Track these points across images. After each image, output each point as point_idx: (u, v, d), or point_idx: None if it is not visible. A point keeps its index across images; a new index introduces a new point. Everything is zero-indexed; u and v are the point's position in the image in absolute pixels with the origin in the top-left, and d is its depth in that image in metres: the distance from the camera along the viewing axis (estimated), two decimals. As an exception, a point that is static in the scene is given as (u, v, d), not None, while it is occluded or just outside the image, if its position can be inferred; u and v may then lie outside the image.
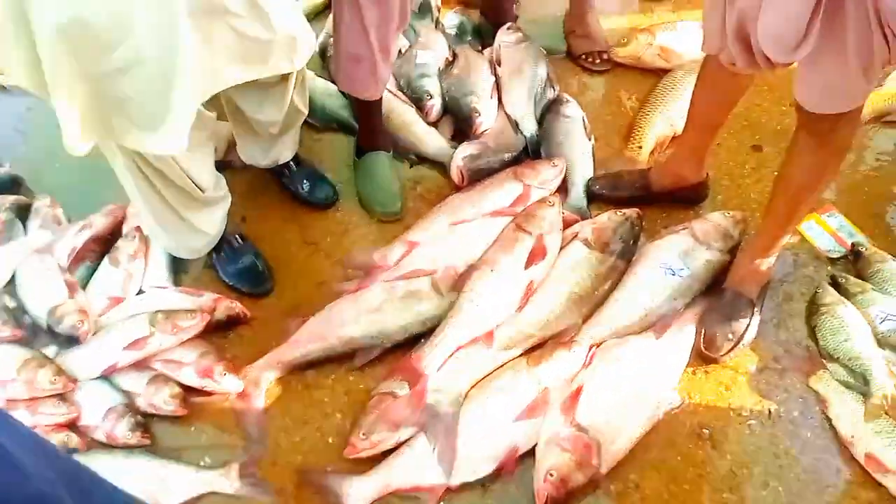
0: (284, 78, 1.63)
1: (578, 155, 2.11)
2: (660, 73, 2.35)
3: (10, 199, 2.02)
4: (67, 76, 1.26)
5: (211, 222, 1.77)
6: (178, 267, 1.89)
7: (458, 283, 1.75)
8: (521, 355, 1.67)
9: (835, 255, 1.90)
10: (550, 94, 2.29)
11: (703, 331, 1.70)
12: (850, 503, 1.48)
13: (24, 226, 1.96)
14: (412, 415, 1.54)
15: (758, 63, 1.42)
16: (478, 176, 2.06)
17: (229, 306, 1.75)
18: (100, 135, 1.40)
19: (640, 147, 2.16)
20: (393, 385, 1.60)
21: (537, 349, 1.67)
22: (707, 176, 1.97)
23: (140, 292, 1.83)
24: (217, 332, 1.75)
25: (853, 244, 1.89)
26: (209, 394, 1.64)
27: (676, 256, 1.78)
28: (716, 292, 1.76)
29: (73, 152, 1.36)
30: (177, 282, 1.87)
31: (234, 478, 1.51)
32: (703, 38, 1.56)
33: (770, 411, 1.62)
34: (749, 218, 1.89)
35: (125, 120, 1.36)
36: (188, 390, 1.64)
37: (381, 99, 2.02)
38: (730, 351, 1.68)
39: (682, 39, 2.37)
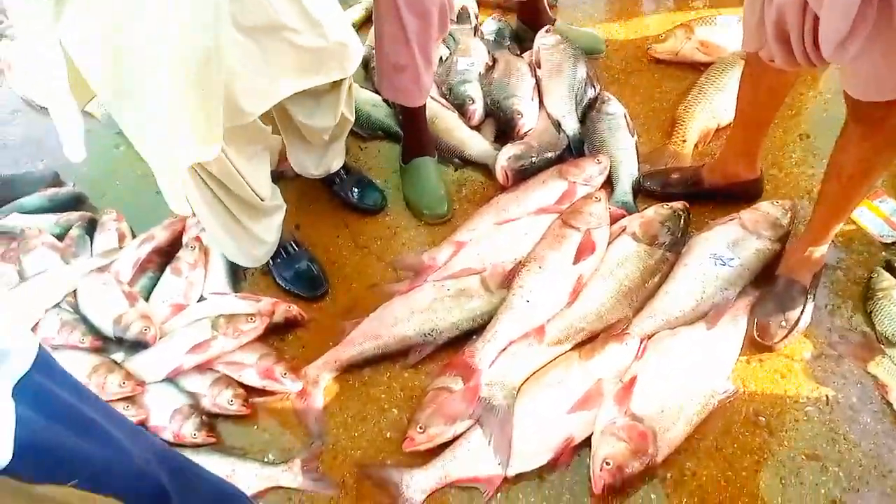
0: (336, 85, 1.69)
1: (622, 151, 2.13)
2: (701, 68, 2.36)
3: (77, 214, 2.13)
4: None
5: (270, 231, 1.84)
6: (236, 275, 1.97)
7: (508, 279, 1.78)
8: (572, 349, 1.69)
9: (888, 240, 1.87)
10: (591, 93, 2.32)
11: (756, 319, 1.69)
12: (916, 488, 1.46)
13: (92, 240, 2.06)
14: (467, 408, 1.57)
15: (797, 61, 1.42)
16: (522, 176, 2.09)
17: (287, 309, 1.81)
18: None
19: (684, 141, 2.17)
20: (447, 380, 1.63)
21: (588, 343, 1.69)
22: (761, 173, 1.95)
23: (201, 299, 1.91)
24: (276, 334, 1.82)
25: (907, 228, 1.86)
26: (271, 394, 1.70)
27: (726, 246, 1.78)
28: (768, 281, 1.75)
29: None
30: (236, 288, 1.94)
31: (298, 472, 1.57)
32: (742, 35, 1.57)
33: (827, 397, 1.60)
34: (798, 206, 1.88)
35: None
36: (250, 391, 1.70)
37: (424, 106, 2.07)
38: (784, 338, 1.67)
39: (722, 32, 2.37)
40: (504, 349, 1.67)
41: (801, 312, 1.70)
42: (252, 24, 1.35)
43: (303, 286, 1.90)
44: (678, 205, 1.90)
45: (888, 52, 1.22)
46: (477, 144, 2.22)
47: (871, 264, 1.82)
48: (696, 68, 2.37)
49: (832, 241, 1.77)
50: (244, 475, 1.56)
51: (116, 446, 0.82)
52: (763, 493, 1.47)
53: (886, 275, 1.75)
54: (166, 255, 2.01)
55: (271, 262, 1.92)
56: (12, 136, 2.56)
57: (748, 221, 1.83)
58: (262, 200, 1.72)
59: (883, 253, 1.85)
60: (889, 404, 1.57)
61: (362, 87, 2.40)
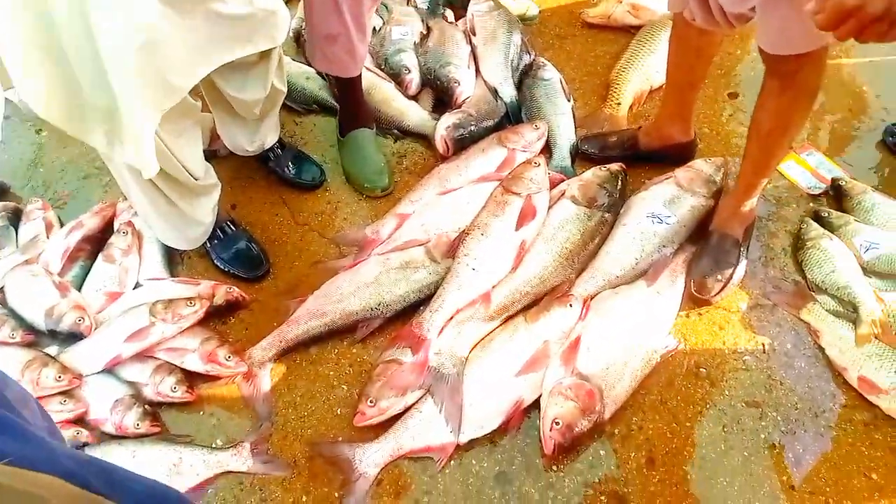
0: (264, 55, 1.63)
1: (559, 116, 2.14)
2: (632, 31, 2.38)
3: (0, 204, 2.02)
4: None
5: (205, 211, 1.79)
6: (172, 259, 1.91)
7: (452, 249, 1.78)
8: (517, 313, 1.70)
9: (816, 192, 1.94)
10: (526, 59, 2.31)
11: (692, 274, 1.74)
12: (846, 426, 1.53)
13: (17, 230, 1.97)
14: (417, 379, 1.57)
15: (716, 20, 1.45)
16: (462, 145, 2.08)
17: (227, 291, 1.77)
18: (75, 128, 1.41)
19: (619, 104, 2.19)
20: (396, 352, 1.62)
21: (533, 306, 1.70)
22: (695, 135, 1.99)
23: (137, 286, 1.85)
24: (217, 318, 1.77)
25: (833, 179, 1.93)
26: (215, 378, 1.66)
27: (662, 205, 1.81)
28: (702, 236, 1.80)
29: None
30: (173, 273, 1.88)
31: (247, 456, 1.54)
32: None
33: (764, 346, 1.66)
34: (730, 163, 1.93)
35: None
36: (194, 377, 1.66)
37: (360, 76, 2.03)
38: (720, 292, 1.72)
39: (652, -5, 2.40)
40: (451, 318, 1.67)
41: (735, 265, 1.75)
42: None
43: (243, 267, 1.85)
44: (615, 167, 1.92)
45: (794, 4, 1.25)
46: (415, 114, 2.20)
47: (801, 216, 1.88)
48: (629, 32, 2.40)
49: (763, 194, 1.82)
50: (192, 463, 1.53)
51: (43, 448, 0.78)
52: (706, 442, 1.52)
53: (815, 225, 1.82)
54: (98, 242, 1.94)
55: (208, 243, 1.86)
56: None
57: (683, 179, 1.87)
58: (195, 179, 1.67)
59: (811, 204, 1.92)
60: (821, 349, 1.64)
61: (294, 59, 2.33)
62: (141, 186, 1.61)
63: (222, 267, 1.86)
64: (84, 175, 2.13)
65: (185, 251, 1.90)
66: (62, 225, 1.99)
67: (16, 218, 2.00)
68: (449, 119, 2.11)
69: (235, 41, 1.46)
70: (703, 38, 1.69)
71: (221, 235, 1.87)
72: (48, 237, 1.94)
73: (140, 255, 1.90)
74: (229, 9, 1.40)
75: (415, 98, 2.26)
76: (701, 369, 1.63)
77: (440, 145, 2.08)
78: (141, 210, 1.76)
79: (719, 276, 1.73)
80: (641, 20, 2.39)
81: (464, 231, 1.81)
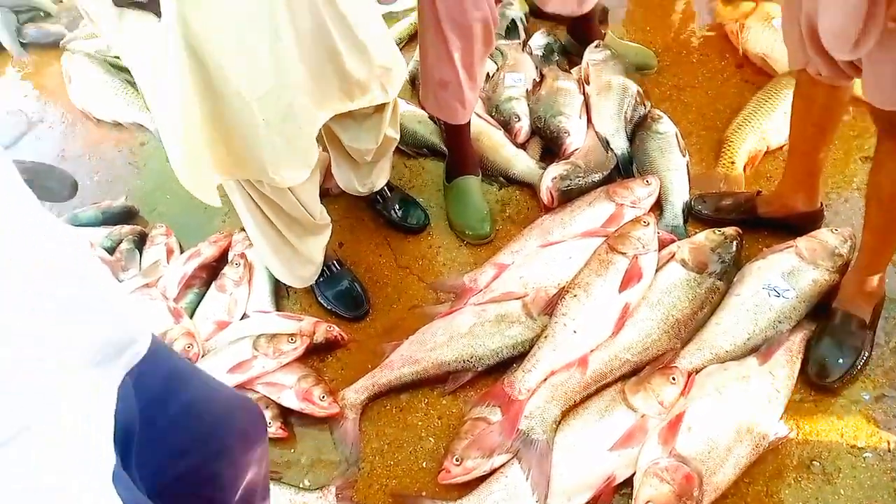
0: (379, 108, 1.68)
1: (672, 172, 2.06)
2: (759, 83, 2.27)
3: (127, 228, 2.17)
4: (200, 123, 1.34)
5: (318, 250, 1.84)
6: (279, 292, 1.98)
7: (550, 306, 1.74)
8: (616, 381, 1.64)
9: (959, 273, 1.76)
10: (641, 111, 2.25)
11: (811, 356, 1.61)
12: None
13: (141, 253, 2.10)
14: (505, 441, 1.53)
15: (843, 70, 1.35)
16: (568, 196, 2.04)
17: (328, 330, 1.81)
18: (230, 174, 1.49)
19: (733, 163, 2.08)
20: (485, 410, 1.60)
21: (633, 376, 1.63)
22: (821, 205, 1.86)
23: (244, 317, 1.93)
24: (316, 355, 1.82)
25: (981, 261, 1.74)
26: (309, 416, 1.69)
27: (780, 277, 1.70)
28: (825, 314, 1.67)
29: (208, 201, 1.47)
30: (278, 306, 1.95)
31: (332, 500, 1.56)
32: (788, 53, 1.50)
33: (889, 443, 1.51)
34: (859, 234, 1.78)
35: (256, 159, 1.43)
36: (288, 413, 1.70)
37: (469, 123, 2.04)
38: (842, 377, 1.58)
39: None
40: (545, 379, 1.63)
41: (861, 349, 1.61)
42: (308, 46, 1.35)
43: (344, 306, 1.89)
44: (731, 231, 1.83)
45: None
46: (522, 163, 2.18)
47: (941, 299, 1.71)
48: (753, 84, 2.29)
49: (893, 271, 1.67)
50: (279, 500, 1.56)
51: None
52: (816, 545, 1.40)
53: (956, 311, 1.65)
54: (212, 271, 2.04)
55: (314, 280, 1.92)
56: (71, 148, 2.64)
57: (805, 250, 1.74)
58: (313, 219, 1.72)
59: (952, 286, 1.74)
60: (957, 452, 1.48)
61: (408, 102, 2.39)
62: (259, 225, 1.68)
63: (325, 305, 1.91)
64: (207, 205, 2.25)
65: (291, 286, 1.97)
66: (182, 251, 2.11)
67: (141, 242, 2.14)
68: (556, 170, 2.08)
69: (349, 94, 1.50)
70: (830, 95, 1.57)
71: (328, 273, 1.93)
72: (168, 262, 2.06)
73: (250, 287, 1.98)
74: (348, 64, 1.44)
75: (523, 146, 2.25)
76: (814, 462, 1.50)
77: (545, 196, 2.05)
78: (257, 247, 1.84)
79: (841, 360, 1.59)
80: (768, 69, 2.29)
81: (564, 288, 1.76)
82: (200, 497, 1.01)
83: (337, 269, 1.93)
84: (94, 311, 0.70)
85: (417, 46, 2.13)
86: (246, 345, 1.77)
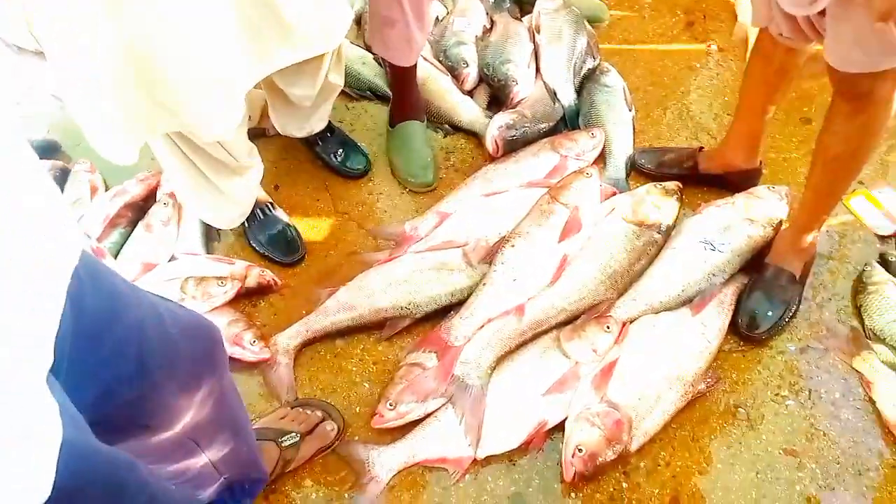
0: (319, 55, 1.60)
1: (618, 126, 2.05)
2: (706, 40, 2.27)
3: (48, 163, 2.04)
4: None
5: (244, 191, 1.77)
6: (210, 234, 1.89)
7: (490, 254, 1.72)
8: (552, 329, 1.64)
9: (885, 233, 1.81)
10: (590, 63, 2.23)
11: (742, 308, 1.64)
12: (892, 489, 1.42)
13: (62, 190, 1.98)
14: (440, 386, 1.52)
15: (803, 31, 1.34)
16: (513, 146, 2.01)
17: (260, 274, 1.75)
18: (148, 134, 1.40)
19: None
20: (421, 356, 1.58)
21: (569, 324, 1.63)
22: (760, 163, 1.88)
23: (172, 259, 1.85)
24: (247, 299, 1.76)
25: (905, 222, 1.81)
26: (238, 362, 1.64)
27: (717, 231, 1.72)
28: (757, 268, 1.70)
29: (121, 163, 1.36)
30: (209, 249, 1.87)
31: (265, 443, 1.52)
32: (752, 11, 1.49)
33: (810, 392, 1.56)
34: (795, 193, 1.81)
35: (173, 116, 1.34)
36: (218, 356, 1.64)
37: (415, 66, 1.98)
38: (770, 329, 1.62)
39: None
40: (481, 326, 1.61)
41: (790, 303, 1.65)
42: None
43: (278, 251, 1.83)
44: (671, 185, 1.84)
45: (871, 12, 1.13)
46: (468, 111, 2.14)
47: (866, 257, 1.76)
48: (701, 41, 2.29)
49: (827, 230, 1.71)
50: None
51: None
52: (736, 487, 1.44)
53: (880, 269, 1.70)
54: (139, 210, 1.94)
55: (246, 223, 1.84)
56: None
57: (742, 206, 1.77)
58: (236, 160, 1.64)
59: (878, 245, 1.80)
60: (872, 401, 1.54)
61: (353, 43, 2.30)
62: (179, 164, 1.60)
63: (258, 249, 1.84)
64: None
65: (222, 228, 1.89)
66: (107, 189, 2.00)
67: (63, 178, 2.01)
68: (502, 118, 2.04)
69: (295, 44, 1.42)
70: (787, 58, 1.57)
71: (261, 216, 1.85)
72: (91, 200, 1.95)
73: (179, 228, 1.89)
74: (288, 13, 1.36)
75: (470, 94, 2.20)
76: (740, 409, 1.54)
77: (490, 145, 2.01)
78: (176, 186, 1.75)
79: (770, 313, 1.63)
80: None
81: (504, 237, 1.75)
82: (139, 426, 0.96)
83: (271, 212, 1.86)
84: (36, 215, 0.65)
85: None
86: (173, 287, 1.69)
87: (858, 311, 1.67)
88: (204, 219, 1.83)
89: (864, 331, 1.63)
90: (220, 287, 1.69)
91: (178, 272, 1.76)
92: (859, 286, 1.70)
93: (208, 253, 1.87)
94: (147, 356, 0.91)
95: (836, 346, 1.62)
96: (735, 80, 2.21)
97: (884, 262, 1.73)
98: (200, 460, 1.10)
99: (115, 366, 0.85)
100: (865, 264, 1.73)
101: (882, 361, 1.57)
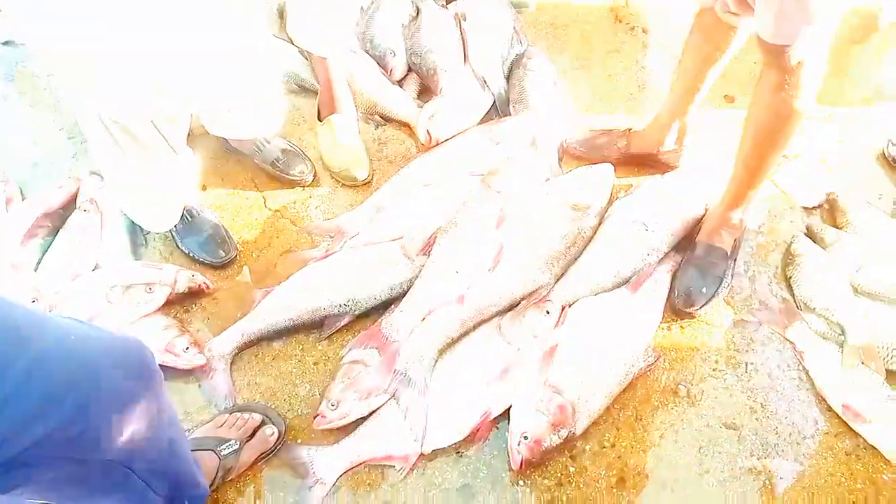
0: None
1: (548, 110, 2.05)
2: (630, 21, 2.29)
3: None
4: None
5: (177, 192, 1.70)
6: (136, 240, 1.82)
7: (428, 246, 1.70)
8: (493, 317, 1.63)
9: (810, 205, 1.87)
10: (518, 49, 2.22)
11: (677, 285, 1.67)
12: (827, 454, 1.47)
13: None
14: (382, 382, 1.49)
15: (749, 5, 1.37)
16: (445, 135, 1.99)
17: (191, 278, 1.69)
18: None
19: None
20: (362, 353, 1.55)
21: (510, 310, 1.63)
22: (689, 142, 1.90)
23: (97, 267, 1.76)
24: (179, 305, 1.69)
25: (828, 193, 1.86)
26: (173, 370, 1.57)
27: (649, 211, 1.74)
28: (689, 246, 1.72)
29: None
30: (135, 255, 1.79)
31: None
32: None
33: (746, 365, 1.60)
34: (722, 170, 1.84)
35: None
36: (150, 367, 1.58)
37: (340, 57, 1.93)
38: (704, 305, 1.65)
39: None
40: (422, 319, 1.59)
41: (722, 278, 1.68)
42: None
43: (208, 253, 1.76)
44: (603, 167, 1.84)
45: None
46: (398, 101, 2.11)
47: (794, 230, 1.81)
48: (626, 23, 2.31)
49: (754, 206, 1.75)
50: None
51: None
52: (680, 464, 1.46)
53: (806, 240, 1.75)
54: (60, 218, 1.84)
55: (174, 226, 1.77)
56: None
57: (672, 185, 1.79)
58: (174, 153, 1.57)
59: (805, 218, 1.85)
60: (806, 371, 1.58)
61: (276, 36, 2.23)
62: (113, 158, 1.52)
63: (187, 252, 1.77)
64: (49, 149, 2.03)
65: (149, 232, 1.81)
66: (24, 198, 1.89)
67: (-27, 190, 1.89)
68: (433, 107, 2.02)
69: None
70: (724, 35, 1.61)
71: (189, 218, 1.78)
72: (7, 211, 1.84)
73: (102, 235, 1.81)
74: None
75: (399, 84, 2.17)
76: (680, 386, 1.57)
77: (422, 135, 1.99)
78: (111, 184, 1.67)
79: (704, 289, 1.66)
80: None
81: (440, 228, 1.73)
82: (70, 459, 0.92)
83: (199, 213, 1.79)
84: None
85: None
86: (98, 296, 1.62)
87: (788, 283, 1.71)
88: (135, 220, 1.75)
89: (795, 301, 1.68)
90: (149, 294, 1.63)
91: (103, 281, 1.68)
92: (788, 258, 1.74)
93: (135, 259, 1.79)
94: (58, 388, 0.87)
95: (769, 318, 1.66)
96: (660, 60, 2.24)
97: (810, 233, 1.78)
98: (136, 485, 1.06)
99: (17, 405, 0.82)
100: (793, 236, 1.77)
101: (813, 331, 1.62)
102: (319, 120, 2.01)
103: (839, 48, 2.20)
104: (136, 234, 1.81)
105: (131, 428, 1.00)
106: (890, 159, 1.95)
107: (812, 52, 1.33)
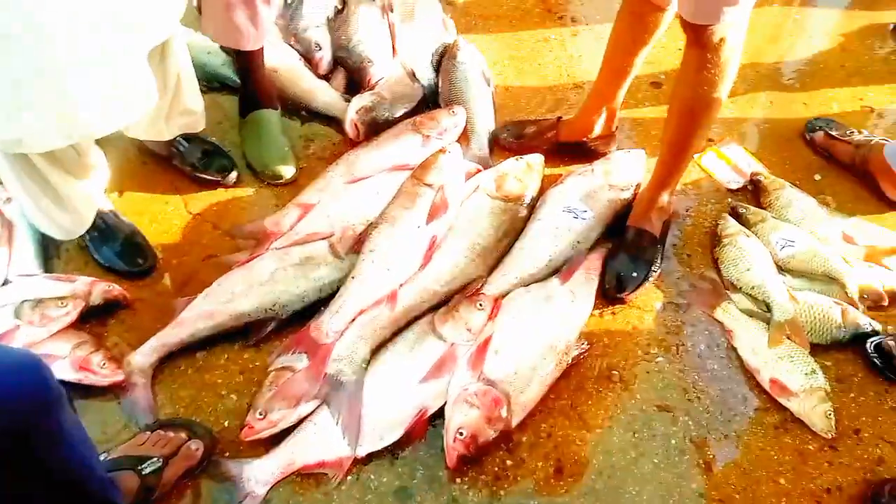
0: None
1: (478, 102, 2.04)
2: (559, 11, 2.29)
3: None
4: None
5: (87, 196, 1.62)
6: (47, 251, 1.71)
7: (357, 243, 1.65)
8: (425, 313, 1.60)
9: (734, 186, 1.90)
10: (447, 40, 2.19)
11: (608, 271, 1.67)
12: (757, 429, 1.49)
13: None
14: (312, 388, 1.44)
15: None
16: (374, 129, 1.95)
17: (106, 290, 1.60)
18: None
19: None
20: (290, 358, 1.49)
21: (443, 306, 1.60)
22: (616, 129, 1.92)
23: (6, 283, 1.66)
24: (95, 318, 1.60)
25: (752, 174, 1.89)
26: (89, 388, 1.49)
27: (578, 199, 1.74)
28: (619, 231, 1.73)
29: None
30: (46, 267, 1.69)
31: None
32: None
33: (677, 347, 1.61)
34: (650, 156, 1.86)
35: None
36: (66, 387, 1.48)
37: (262, 50, 1.87)
38: (635, 289, 1.66)
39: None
40: (353, 319, 1.55)
41: (652, 262, 1.69)
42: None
43: (124, 262, 1.68)
44: (533, 158, 1.84)
45: None
46: (325, 95, 2.06)
47: (720, 211, 1.84)
48: (554, 13, 2.31)
49: (682, 188, 1.77)
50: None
51: None
52: (616, 449, 1.46)
53: (732, 221, 1.77)
54: (-39, 232, 1.73)
55: (87, 235, 1.68)
56: None
57: (601, 172, 1.80)
58: (79, 157, 1.48)
59: (730, 199, 1.87)
60: (735, 350, 1.60)
61: (196, 30, 2.14)
62: (16, 163, 1.44)
63: (102, 261, 1.68)
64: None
65: (61, 243, 1.71)
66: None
67: None
68: (360, 101, 1.97)
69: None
70: (653, 18, 1.61)
71: (103, 226, 1.69)
72: None
73: (10, 248, 1.70)
74: None
75: (326, 78, 2.11)
76: (613, 372, 1.57)
77: (350, 129, 1.94)
78: (12, 190, 1.58)
79: (635, 274, 1.67)
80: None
81: (371, 224, 1.68)
82: None
83: (113, 220, 1.70)
84: None
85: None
86: (7, 313, 1.52)
87: (716, 264, 1.73)
88: (42, 229, 1.65)
89: (722, 282, 1.70)
90: (61, 308, 1.53)
91: (12, 297, 1.58)
92: (714, 239, 1.76)
93: (46, 272, 1.69)
94: None
95: (697, 299, 1.68)
96: (589, 49, 2.25)
97: (735, 214, 1.81)
98: None
99: None
100: (719, 218, 1.80)
101: (740, 310, 1.64)
102: (242, 116, 1.94)
103: (759, 32, 2.24)
104: (48, 246, 1.71)
105: (32, 454, 0.93)
106: (810, 141, 2.00)
107: (733, 31, 1.35)
